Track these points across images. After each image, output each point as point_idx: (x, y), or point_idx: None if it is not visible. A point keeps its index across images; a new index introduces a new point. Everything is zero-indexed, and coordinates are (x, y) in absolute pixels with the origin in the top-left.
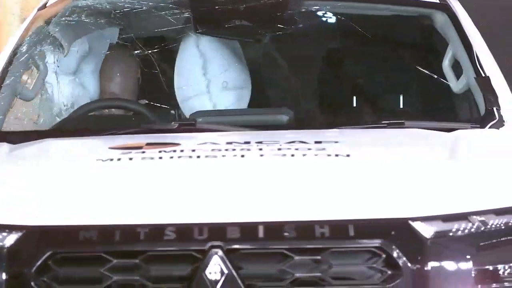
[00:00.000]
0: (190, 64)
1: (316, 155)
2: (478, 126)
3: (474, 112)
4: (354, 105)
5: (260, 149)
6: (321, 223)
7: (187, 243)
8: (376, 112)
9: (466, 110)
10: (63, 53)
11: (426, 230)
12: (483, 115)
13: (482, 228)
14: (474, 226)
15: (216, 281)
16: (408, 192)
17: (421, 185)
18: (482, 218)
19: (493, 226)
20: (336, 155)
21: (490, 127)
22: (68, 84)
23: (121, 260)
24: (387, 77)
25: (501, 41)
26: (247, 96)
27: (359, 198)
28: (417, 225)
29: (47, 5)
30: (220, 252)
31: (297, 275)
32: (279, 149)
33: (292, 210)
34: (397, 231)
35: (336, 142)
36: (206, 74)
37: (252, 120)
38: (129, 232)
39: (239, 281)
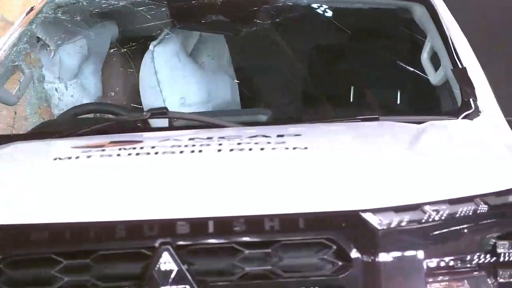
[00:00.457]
0: (148, 79)
1: (274, 148)
2: (455, 117)
3: (454, 104)
4: (333, 100)
5: (220, 144)
6: (271, 217)
7: (137, 240)
8: (354, 106)
9: (445, 102)
10: (50, 54)
11: (377, 222)
12: (459, 106)
13: (436, 219)
14: (427, 217)
15: (167, 278)
16: (359, 184)
17: (373, 176)
18: (436, 209)
19: (447, 216)
20: (294, 148)
21: (463, 118)
22: (68, 87)
23: (72, 260)
24: (367, 71)
25: (501, 41)
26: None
27: (309, 191)
28: (368, 217)
29: (33, 8)
30: (170, 249)
31: (248, 269)
32: (239, 143)
33: (242, 204)
34: (348, 223)
35: (299, 135)
36: (162, 91)
37: (230, 121)
38: (78, 231)
39: (190, 277)
